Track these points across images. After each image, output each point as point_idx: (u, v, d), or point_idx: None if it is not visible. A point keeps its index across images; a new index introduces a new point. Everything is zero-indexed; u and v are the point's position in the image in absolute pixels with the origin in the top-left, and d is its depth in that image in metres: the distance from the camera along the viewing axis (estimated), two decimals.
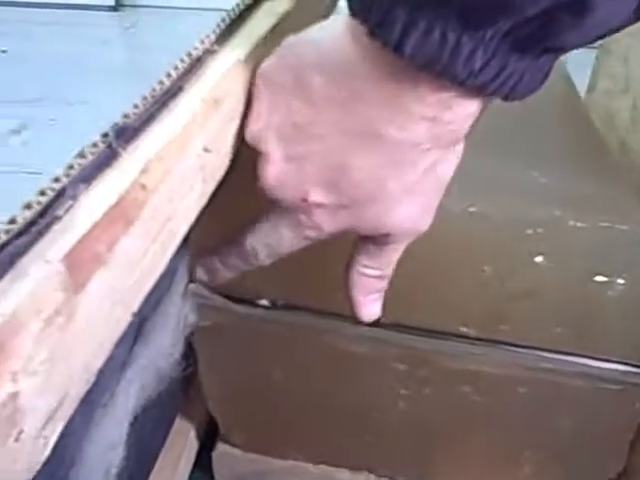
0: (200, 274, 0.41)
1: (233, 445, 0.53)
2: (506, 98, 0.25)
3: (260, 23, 0.37)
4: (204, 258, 0.39)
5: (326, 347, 0.46)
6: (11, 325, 0.18)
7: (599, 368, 0.44)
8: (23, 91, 1.72)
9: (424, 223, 0.31)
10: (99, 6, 2.38)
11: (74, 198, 0.22)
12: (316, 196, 0.29)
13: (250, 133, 0.31)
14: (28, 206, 0.21)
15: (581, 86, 0.75)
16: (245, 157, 0.33)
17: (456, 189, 0.42)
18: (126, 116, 0.27)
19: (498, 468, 0.51)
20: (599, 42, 0.83)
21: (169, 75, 0.31)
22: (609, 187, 0.45)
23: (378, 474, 0.53)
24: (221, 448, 0.53)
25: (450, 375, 0.46)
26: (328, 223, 0.30)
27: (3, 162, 1.37)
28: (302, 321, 0.46)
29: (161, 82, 0.30)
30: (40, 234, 0.20)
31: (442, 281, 0.43)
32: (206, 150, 0.30)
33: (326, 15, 0.44)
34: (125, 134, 0.26)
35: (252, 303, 0.45)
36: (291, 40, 0.30)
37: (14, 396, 0.18)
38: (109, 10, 2.39)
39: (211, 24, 0.36)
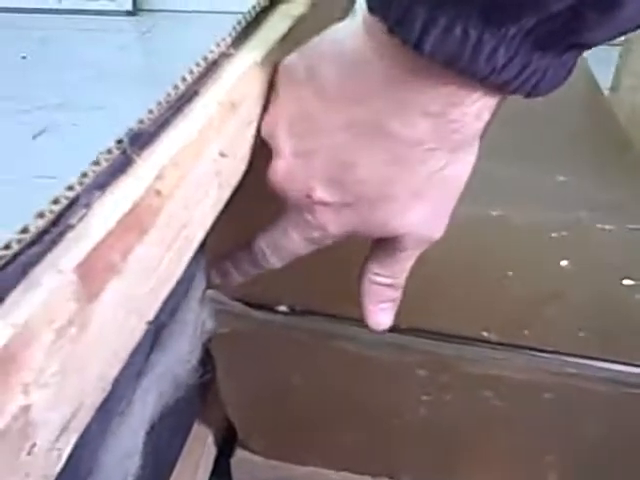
0: (214, 279, 0.41)
1: (252, 451, 0.53)
2: (528, 95, 0.25)
3: (276, 26, 0.37)
4: (218, 263, 0.39)
5: (345, 353, 0.45)
6: (23, 336, 0.17)
7: (625, 373, 0.43)
8: (42, 97, 1.73)
9: (435, 230, 0.31)
10: (117, 11, 2.40)
11: (88, 206, 0.22)
12: (321, 193, 0.29)
13: (264, 126, 0.31)
14: (41, 215, 0.20)
15: (604, 84, 0.74)
16: (262, 162, 0.32)
17: (478, 192, 0.41)
18: (141, 122, 0.26)
19: (521, 475, 0.50)
20: (622, 39, 0.81)
21: (184, 79, 0.31)
22: (636, 188, 0.44)
23: None
24: (240, 454, 0.53)
25: (471, 380, 0.45)
26: (333, 223, 0.30)
27: (24, 168, 1.39)
28: (321, 327, 0.45)
29: (176, 87, 0.30)
30: (53, 243, 0.20)
31: (464, 285, 0.42)
32: (222, 155, 0.30)
33: (342, 18, 0.44)
34: (140, 140, 0.25)
35: (270, 309, 0.45)
36: (314, 39, 0.30)
37: (26, 409, 0.17)
38: (127, 15, 2.41)
39: (228, 27, 0.36)
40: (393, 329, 0.43)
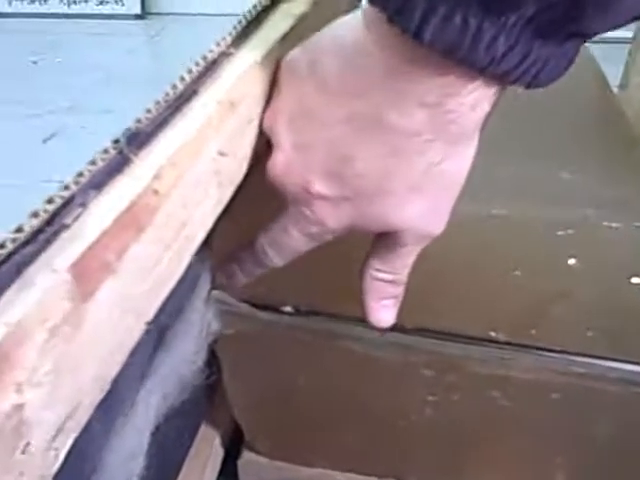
0: (220, 280, 0.41)
1: (259, 453, 0.52)
2: (528, 86, 0.24)
3: (277, 25, 0.37)
4: (223, 264, 0.39)
5: (351, 353, 0.45)
6: (16, 335, 0.17)
7: (635, 372, 0.43)
8: (52, 101, 1.75)
9: (435, 226, 0.30)
10: (126, 15, 2.42)
11: (83, 205, 0.22)
12: (319, 186, 0.29)
13: (265, 120, 0.31)
14: (35, 214, 0.20)
15: (613, 82, 0.73)
16: (266, 163, 0.32)
17: (483, 190, 0.41)
18: (138, 121, 0.26)
19: (528, 476, 0.49)
20: (631, 36, 0.80)
21: (183, 79, 0.30)
22: None
23: None
24: (246, 456, 0.53)
25: (478, 380, 0.45)
26: (331, 218, 0.29)
27: (35, 172, 1.40)
28: (326, 327, 0.45)
29: (174, 86, 0.30)
30: (47, 242, 0.20)
31: (470, 285, 0.42)
32: (221, 154, 0.30)
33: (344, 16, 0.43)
34: (137, 139, 0.25)
35: (275, 310, 0.45)
36: (316, 34, 0.30)
37: (19, 408, 0.17)
38: (135, 19, 2.42)
39: None
40: (398, 329, 0.43)
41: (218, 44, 0.34)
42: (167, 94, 0.29)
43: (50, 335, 0.18)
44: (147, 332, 0.35)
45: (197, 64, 0.33)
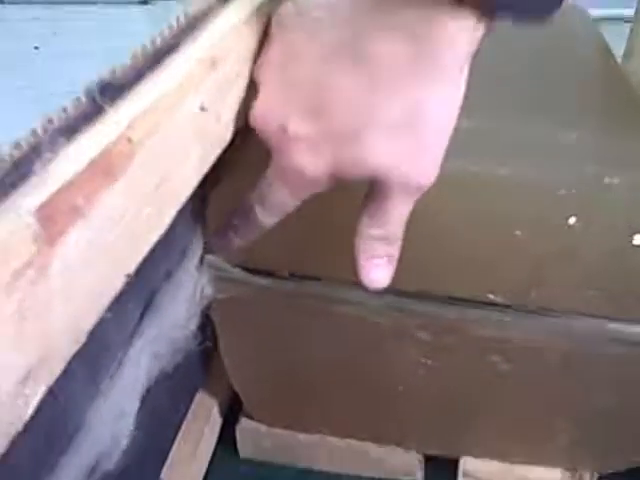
0: (215, 243, 0.40)
1: (257, 420, 0.52)
2: (516, 19, 0.23)
3: None
4: (218, 228, 0.39)
5: (347, 318, 0.44)
6: None
7: (637, 334, 0.42)
8: (55, 87, 1.74)
9: (420, 173, 0.29)
10: (130, 1, 2.40)
11: (52, 151, 0.21)
12: (295, 125, 0.28)
13: (255, 69, 0.31)
14: (1, 160, 0.20)
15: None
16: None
17: (483, 149, 0.40)
18: (113, 72, 0.26)
19: (530, 440, 0.49)
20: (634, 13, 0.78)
21: (163, 34, 0.30)
22: None
23: (406, 447, 0.51)
24: (244, 423, 0.53)
25: (477, 344, 0.44)
26: (309, 163, 0.29)
27: None
28: (322, 292, 0.44)
29: (153, 41, 0.29)
30: (13, 187, 0.20)
31: (468, 247, 0.41)
32: (202, 109, 0.29)
33: None
34: (111, 90, 0.25)
35: (270, 274, 0.44)
36: None
37: None
38: (139, 4, 2.40)
39: None
40: (395, 292, 0.43)
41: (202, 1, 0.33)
42: (145, 47, 0.28)
43: (13, 278, 0.18)
44: (135, 292, 0.35)
45: (178, 20, 0.32)
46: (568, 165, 0.40)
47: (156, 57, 0.28)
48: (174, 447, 0.47)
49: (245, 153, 0.37)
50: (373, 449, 0.52)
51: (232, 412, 0.55)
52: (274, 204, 0.32)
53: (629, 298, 0.41)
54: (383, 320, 0.44)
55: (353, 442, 0.52)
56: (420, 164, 0.29)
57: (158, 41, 0.29)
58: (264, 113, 0.30)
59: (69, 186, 0.20)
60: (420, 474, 0.53)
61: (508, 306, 0.43)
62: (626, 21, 0.82)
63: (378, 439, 0.51)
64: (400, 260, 0.34)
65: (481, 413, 0.48)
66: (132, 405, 0.32)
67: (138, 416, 0.33)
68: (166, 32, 0.30)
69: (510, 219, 0.40)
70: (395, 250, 0.33)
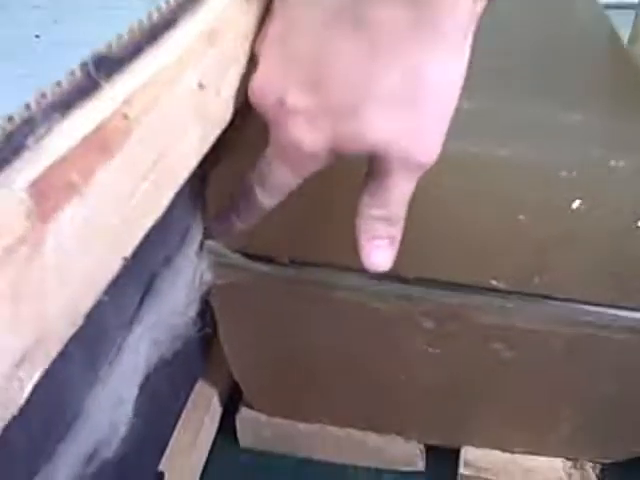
0: (216, 227, 0.40)
1: (256, 409, 0.52)
2: None
3: None
4: (219, 212, 0.38)
5: (348, 305, 0.44)
6: None
7: None
8: (56, 75, 1.73)
9: (420, 149, 0.28)
10: None
11: (46, 126, 0.20)
12: (293, 97, 0.28)
13: (256, 44, 0.31)
14: None
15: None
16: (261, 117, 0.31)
17: (485, 130, 0.40)
18: (109, 46, 0.25)
19: (532, 429, 0.48)
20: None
21: (160, 8, 0.29)
22: None
23: (407, 437, 0.51)
24: (244, 412, 0.52)
25: (480, 331, 0.43)
26: (306, 137, 0.28)
27: None
28: (323, 278, 0.43)
29: (150, 15, 0.28)
30: (5, 161, 0.19)
31: (470, 231, 0.40)
32: (201, 86, 0.28)
33: None
34: (107, 64, 0.24)
35: (271, 261, 0.44)
36: None
37: None
38: None
39: None
40: (396, 278, 0.42)
41: None
42: (141, 21, 0.27)
43: (5, 254, 0.17)
44: (134, 277, 0.34)
45: None
46: (572, 147, 0.39)
47: (153, 32, 0.27)
48: (174, 436, 0.46)
49: (246, 133, 0.36)
50: (374, 439, 0.51)
51: (232, 401, 0.54)
52: (274, 184, 0.31)
53: (634, 283, 0.40)
54: (384, 306, 0.43)
55: (354, 432, 0.51)
56: (420, 139, 0.28)
57: (155, 16, 0.28)
58: (262, 86, 0.29)
59: (63, 162, 0.20)
60: (421, 464, 0.52)
61: (511, 292, 0.42)
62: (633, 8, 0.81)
63: (379, 428, 0.51)
64: (401, 245, 0.33)
65: (483, 401, 0.48)
66: (131, 392, 0.32)
67: (137, 403, 0.33)
68: (164, 6, 0.29)
69: (512, 202, 0.39)
70: (397, 232, 0.32)
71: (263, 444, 0.54)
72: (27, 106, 0.21)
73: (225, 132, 0.32)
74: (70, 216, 0.19)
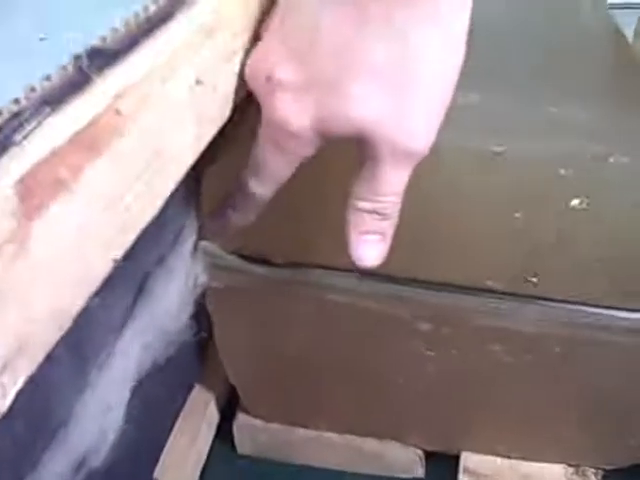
0: (212, 225, 0.39)
1: (253, 415, 0.51)
2: None
3: None
4: (214, 209, 0.37)
5: (345, 307, 0.43)
6: None
7: None
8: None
9: (410, 135, 0.27)
10: None
11: (36, 122, 0.20)
12: (281, 72, 0.28)
13: (261, 32, 0.31)
14: None
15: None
16: (257, 105, 0.30)
17: (482, 126, 0.39)
18: (103, 39, 0.24)
19: (532, 431, 0.48)
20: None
21: (156, 1, 0.28)
22: None
23: (406, 443, 0.50)
24: (241, 418, 0.51)
25: (477, 334, 0.43)
26: (294, 114, 0.28)
27: None
28: (318, 280, 0.43)
29: (146, 8, 0.27)
30: None
31: (465, 231, 0.40)
32: (198, 82, 0.28)
33: None
34: (100, 58, 0.23)
35: (266, 262, 0.43)
36: None
37: None
38: None
39: None
40: (391, 279, 0.41)
41: None
42: (137, 14, 0.26)
43: None
44: (126, 280, 0.33)
45: None
46: (570, 142, 0.38)
47: (149, 24, 0.26)
48: (171, 443, 0.45)
49: (242, 131, 0.35)
50: (372, 445, 0.50)
51: (230, 407, 0.53)
52: (267, 172, 0.31)
53: (634, 286, 0.40)
54: (380, 308, 0.43)
55: (351, 437, 0.50)
56: (408, 124, 0.27)
57: (152, 8, 0.27)
58: (255, 64, 0.29)
59: (51, 158, 0.19)
60: (421, 470, 0.52)
61: (507, 293, 0.41)
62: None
63: (377, 434, 0.50)
64: (394, 245, 0.32)
65: (482, 405, 0.47)
66: (121, 398, 0.31)
67: (129, 410, 0.32)
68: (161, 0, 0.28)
69: (509, 200, 0.38)
70: (389, 227, 0.31)
71: (261, 451, 0.53)
72: (16, 100, 0.20)
73: (221, 130, 0.32)
74: (58, 214, 0.19)
